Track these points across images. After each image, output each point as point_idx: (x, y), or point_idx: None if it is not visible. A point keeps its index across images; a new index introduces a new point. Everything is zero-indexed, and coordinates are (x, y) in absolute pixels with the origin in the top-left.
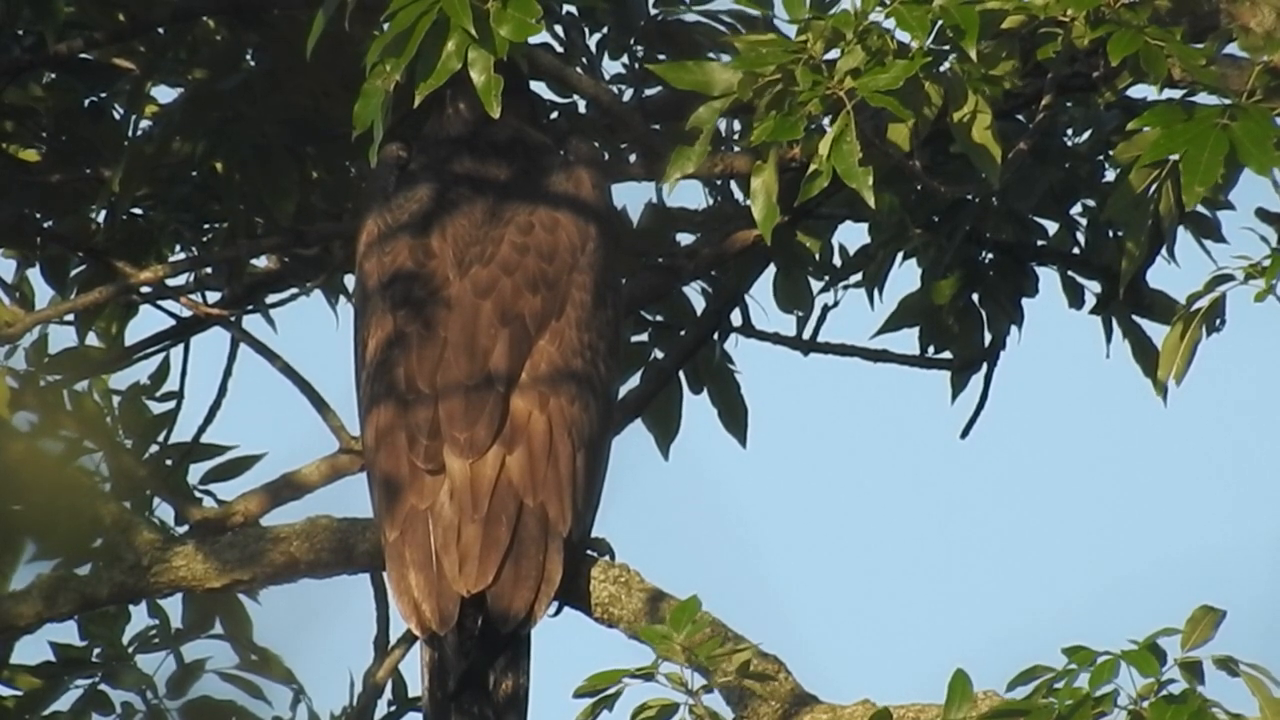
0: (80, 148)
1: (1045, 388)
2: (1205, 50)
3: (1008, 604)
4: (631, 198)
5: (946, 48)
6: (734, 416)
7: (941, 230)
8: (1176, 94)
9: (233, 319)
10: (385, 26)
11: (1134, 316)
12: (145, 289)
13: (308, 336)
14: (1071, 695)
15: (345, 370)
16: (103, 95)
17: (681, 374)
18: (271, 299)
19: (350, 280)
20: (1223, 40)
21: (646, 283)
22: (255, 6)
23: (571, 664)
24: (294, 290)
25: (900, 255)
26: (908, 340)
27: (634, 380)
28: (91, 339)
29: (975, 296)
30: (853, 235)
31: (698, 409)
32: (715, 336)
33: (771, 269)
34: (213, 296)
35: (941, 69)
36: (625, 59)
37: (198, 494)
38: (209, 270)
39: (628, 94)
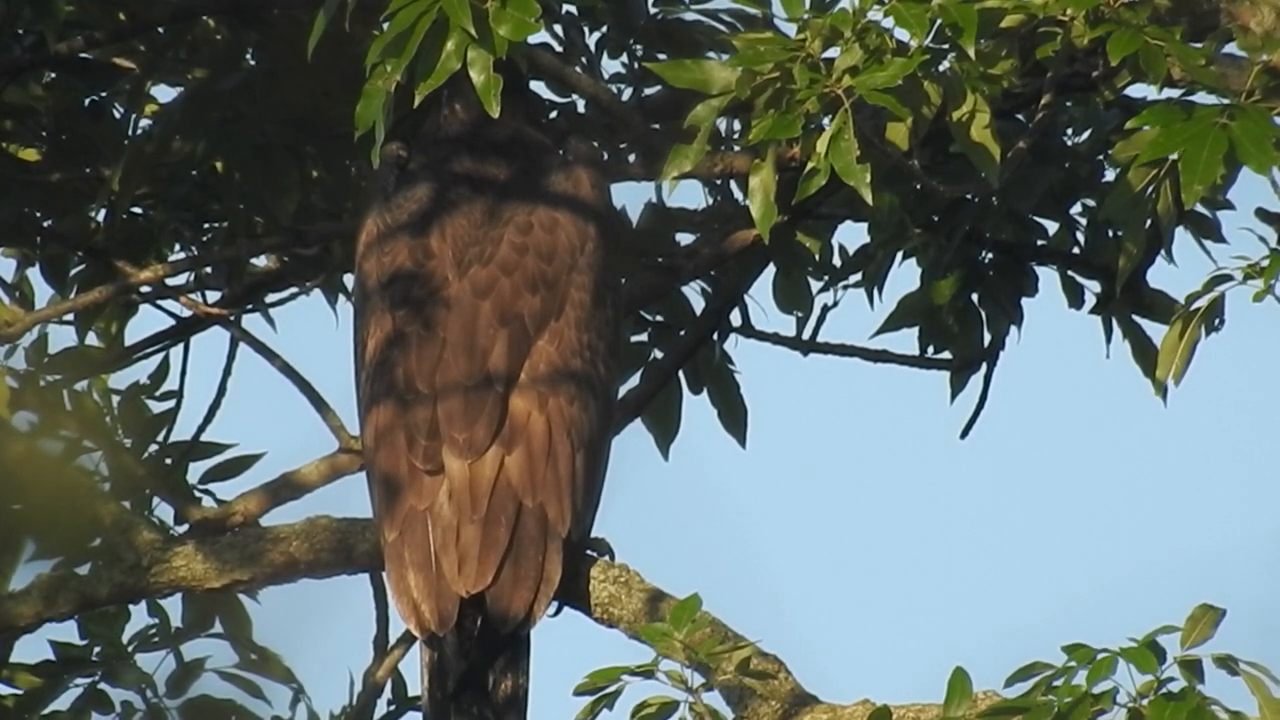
0: (80, 147)
1: (1045, 388)
2: (1205, 50)
3: (1007, 603)
4: (631, 198)
5: (945, 46)
6: (734, 416)
7: (941, 230)
8: (1176, 93)
9: (232, 319)
10: (385, 26)
11: (1134, 316)
12: (145, 288)
13: (307, 336)
14: (1070, 693)
15: (345, 370)
16: (103, 95)
17: (681, 374)
18: (271, 299)
19: (350, 280)
20: (1222, 40)
21: (646, 283)
22: (255, 6)
23: (571, 664)
24: (294, 290)
25: (900, 255)
26: (907, 340)
27: (634, 380)
28: (91, 339)
29: (975, 296)
30: (852, 235)
31: (697, 409)
32: (715, 336)
33: (771, 269)
34: (213, 296)
35: (940, 68)
36: (624, 58)
37: (197, 493)
38: (209, 270)
39: (627, 93)
